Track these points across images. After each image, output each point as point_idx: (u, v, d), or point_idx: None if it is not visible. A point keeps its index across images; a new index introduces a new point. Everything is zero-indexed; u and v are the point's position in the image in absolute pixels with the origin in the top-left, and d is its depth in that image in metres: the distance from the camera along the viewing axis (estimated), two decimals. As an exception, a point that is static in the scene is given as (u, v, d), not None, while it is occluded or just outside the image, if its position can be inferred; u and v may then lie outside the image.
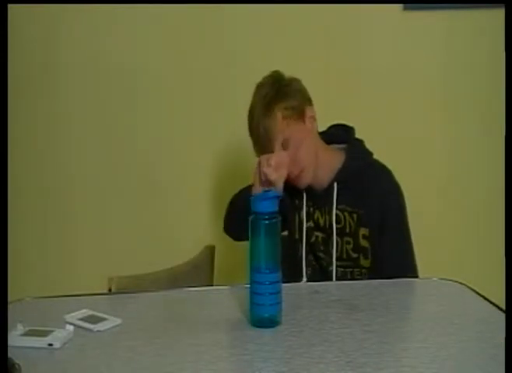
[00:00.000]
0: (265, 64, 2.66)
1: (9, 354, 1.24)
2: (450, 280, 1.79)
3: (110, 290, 1.90)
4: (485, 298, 1.67)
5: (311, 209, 2.00)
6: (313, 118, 1.96)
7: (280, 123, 1.89)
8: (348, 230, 1.95)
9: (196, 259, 2.21)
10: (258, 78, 2.66)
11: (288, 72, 2.65)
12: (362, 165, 1.98)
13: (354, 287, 1.79)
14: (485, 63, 2.71)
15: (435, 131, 2.74)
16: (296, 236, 2.01)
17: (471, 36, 2.71)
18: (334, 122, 2.08)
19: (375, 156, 2.03)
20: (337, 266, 1.96)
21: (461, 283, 1.76)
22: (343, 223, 1.95)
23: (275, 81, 1.98)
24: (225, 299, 1.68)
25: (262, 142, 1.92)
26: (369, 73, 2.67)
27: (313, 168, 1.94)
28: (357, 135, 2.05)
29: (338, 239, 1.96)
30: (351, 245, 1.95)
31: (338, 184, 1.95)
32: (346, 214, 1.95)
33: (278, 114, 1.89)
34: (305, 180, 1.95)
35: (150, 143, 2.70)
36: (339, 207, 1.95)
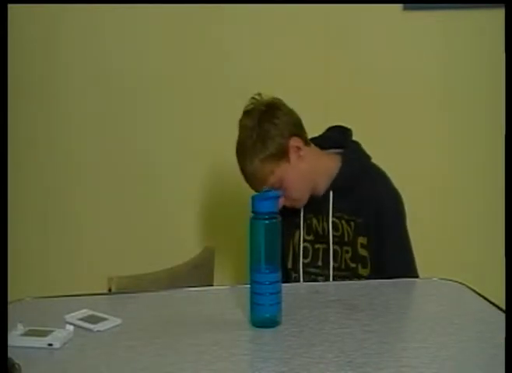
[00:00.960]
0: (265, 64, 2.68)
1: (9, 354, 1.23)
2: (450, 280, 1.79)
3: (110, 290, 1.90)
4: (485, 298, 1.67)
5: (309, 219, 2.00)
6: (298, 147, 1.95)
7: (264, 171, 1.92)
8: (346, 239, 1.95)
9: (196, 259, 2.21)
10: (258, 77, 2.67)
11: (288, 72, 2.67)
12: (357, 172, 1.97)
13: (354, 287, 1.79)
14: (485, 63, 2.71)
15: (434, 131, 2.74)
16: (289, 266, 2.02)
17: (471, 36, 2.71)
18: (334, 122, 2.08)
19: (374, 157, 2.03)
20: (333, 276, 1.96)
21: (461, 283, 1.76)
22: (341, 231, 1.96)
23: (257, 117, 1.95)
24: (225, 299, 1.68)
25: (252, 183, 1.95)
26: (369, 73, 2.67)
27: (309, 189, 1.97)
28: (356, 135, 2.04)
29: (338, 248, 1.96)
30: (349, 254, 1.95)
31: (334, 192, 1.96)
32: (344, 222, 1.95)
33: (261, 163, 1.91)
34: (302, 203, 1.99)
35: (150, 143, 2.70)
36: (336, 214, 1.96)
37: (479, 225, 2.78)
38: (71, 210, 2.72)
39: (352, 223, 1.94)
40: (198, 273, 2.17)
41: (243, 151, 1.96)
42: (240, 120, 1.99)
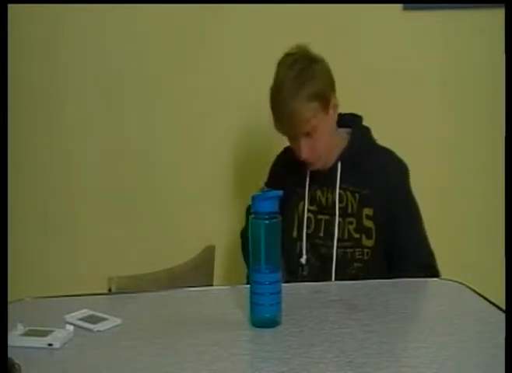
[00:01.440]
0: (265, 64, 2.67)
1: (9, 354, 1.24)
2: (450, 280, 1.79)
3: (110, 290, 1.90)
4: (485, 298, 1.67)
5: (313, 190, 2.03)
6: (336, 106, 1.99)
7: (307, 110, 1.90)
8: (350, 210, 1.98)
9: (196, 259, 2.21)
10: (258, 78, 2.66)
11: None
12: (365, 146, 2.04)
13: (354, 287, 1.79)
14: (484, 63, 2.71)
15: (434, 131, 2.74)
16: (294, 234, 2.03)
17: (471, 36, 2.71)
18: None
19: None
20: (337, 247, 1.97)
21: (461, 283, 1.77)
22: (345, 202, 1.99)
23: (303, 60, 1.97)
24: (225, 299, 1.68)
25: (287, 122, 1.93)
26: (368, 73, 2.67)
27: (328, 151, 2.00)
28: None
29: (341, 220, 1.98)
30: (353, 225, 1.97)
31: (341, 163, 2.00)
32: (349, 193, 1.98)
33: (306, 100, 1.90)
34: (317, 166, 2.00)
35: (150, 143, 2.70)
36: (342, 186, 1.99)
37: (479, 225, 2.78)
38: (71, 210, 2.72)
39: (357, 195, 1.97)
40: (198, 273, 2.17)
41: (290, 86, 1.91)
42: (284, 59, 1.98)
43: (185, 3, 2.58)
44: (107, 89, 2.67)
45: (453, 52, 2.73)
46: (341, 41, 2.68)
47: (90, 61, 2.66)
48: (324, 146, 1.98)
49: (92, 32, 2.64)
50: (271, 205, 1.47)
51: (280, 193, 1.49)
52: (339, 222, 1.98)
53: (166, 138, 2.70)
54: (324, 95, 1.94)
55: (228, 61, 2.66)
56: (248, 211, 2.09)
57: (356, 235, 1.97)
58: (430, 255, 1.99)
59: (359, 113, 2.13)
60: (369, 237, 1.96)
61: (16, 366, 1.24)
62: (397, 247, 1.96)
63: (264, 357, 1.35)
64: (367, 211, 1.97)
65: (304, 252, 2.01)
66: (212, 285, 2.14)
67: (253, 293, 1.48)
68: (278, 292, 1.47)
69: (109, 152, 2.70)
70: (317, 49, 2.64)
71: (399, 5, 2.66)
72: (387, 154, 2.05)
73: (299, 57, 1.97)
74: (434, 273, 1.94)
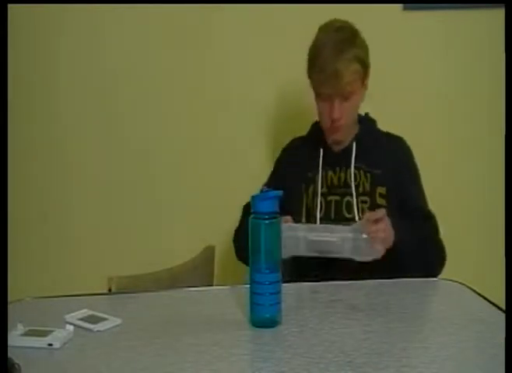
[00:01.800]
0: (265, 64, 2.68)
1: (9, 354, 1.24)
2: (450, 280, 1.80)
3: (110, 290, 1.90)
4: (485, 298, 1.67)
5: (325, 171, 2.06)
6: (367, 86, 2.07)
7: (350, 73, 1.96)
8: (362, 189, 2.03)
9: (196, 259, 2.21)
10: (258, 78, 2.67)
11: (288, 72, 2.67)
12: (377, 132, 2.15)
13: (354, 287, 1.79)
14: (484, 63, 2.70)
15: (434, 131, 2.74)
16: (303, 220, 2.03)
17: (471, 36, 2.71)
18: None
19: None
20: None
21: (461, 283, 1.77)
22: (357, 182, 2.03)
23: (348, 28, 2.04)
24: (225, 299, 1.68)
25: (327, 81, 1.96)
26: (368, 73, 2.67)
27: (351, 127, 2.08)
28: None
29: (351, 199, 2.02)
30: (367, 204, 2.01)
31: (356, 145, 2.06)
32: (362, 172, 2.04)
33: (349, 62, 1.96)
34: (339, 135, 2.06)
35: (150, 143, 2.70)
36: (356, 165, 2.04)
37: (479, 225, 2.78)
38: (71, 210, 2.72)
39: (369, 174, 2.03)
40: (198, 273, 2.17)
41: (332, 47, 1.96)
42: (328, 25, 2.06)
43: (185, 3, 2.58)
44: (107, 89, 2.67)
45: (453, 52, 2.73)
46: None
47: (90, 60, 2.66)
48: (352, 116, 2.05)
49: (92, 32, 2.64)
50: (271, 205, 1.47)
51: (280, 192, 1.50)
52: (349, 202, 2.02)
53: (166, 138, 2.70)
54: (365, 63, 2.02)
55: (228, 61, 2.66)
56: (245, 210, 2.09)
57: None
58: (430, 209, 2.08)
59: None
60: None
61: (16, 366, 1.24)
62: (406, 206, 2.01)
63: (264, 357, 1.35)
64: (380, 190, 2.02)
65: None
66: (212, 285, 2.14)
67: (253, 293, 1.48)
68: (278, 292, 1.47)
69: (109, 152, 2.70)
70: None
71: (399, 5, 2.66)
72: (398, 139, 2.14)
73: (344, 25, 2.05)
74: (435, 225, 2.03)
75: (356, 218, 1.99)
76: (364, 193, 2.02)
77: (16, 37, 2.52)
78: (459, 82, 2.74)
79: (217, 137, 2.70)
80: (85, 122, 2.68)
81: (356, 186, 2.02)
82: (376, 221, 1.79)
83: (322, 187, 2.05)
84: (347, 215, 2.02)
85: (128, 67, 2.67)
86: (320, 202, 2.04)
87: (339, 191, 2.04)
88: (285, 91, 2.67)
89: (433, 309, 1.60)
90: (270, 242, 1.47)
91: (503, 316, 1.41)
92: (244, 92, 2.67)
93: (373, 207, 1.99)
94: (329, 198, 2.05)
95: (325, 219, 2.02)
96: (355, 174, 2.03)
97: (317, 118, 2.12)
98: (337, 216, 2.02)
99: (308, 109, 2.17)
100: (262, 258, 1.46)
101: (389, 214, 1.88)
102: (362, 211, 2.00)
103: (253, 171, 2.55)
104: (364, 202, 2.02)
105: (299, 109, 2.59)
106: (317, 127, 2.13)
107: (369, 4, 2.60)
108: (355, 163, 2.04)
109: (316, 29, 2.64)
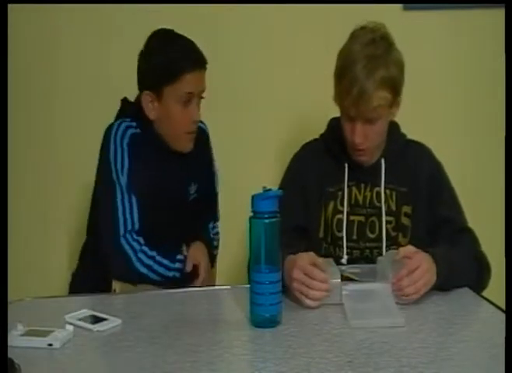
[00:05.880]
0: (265, 64, 2.68)
1: (9, 354, 1.24)
2: (450, 280, 1.79)
3: (114, 291, 1.91)
4: (485, 298, 1.67)
5: (348, 187, 1.92)
6: (399, 104, 1.93)
7: (377, 98, 1.80)
8: (387, 209, 1.91)
9: (196, 259, 2.20)
10: (258, 77, 2.67)
11: (288, 73, 2.67)
12: (402, 143, 1.99)
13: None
14: (485, 63, 2.70)
15: (434, 131, 2.73)
16: (321, 235, 1.93)
17: (471, 36, 2.71)
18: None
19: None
20: (374, 248, 1.91)
21: (460, 283, 1.76)
22: (384, 201, 1.91)
23: (383, 38, 1.90)
24: (225, 299, 1.68)
25: (352, 102, 1.81)
26: (369, 73, 2.67)
27: (375, 149, 1.92)
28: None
29: (376, 219, 1.91)
30: (392, 225, 1.91)
31: (385, 161, 1.93)
32: (388, 191, 1.92)
33: (379, 85, 1.81)
34: (364, 157, 1.90)
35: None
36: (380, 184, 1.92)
37: (479, 225, 2.78)
38: (72, 210, 2.72)
39: (394, 192, 1.92)
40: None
41: (365, 66, 1.80)
42: (360, 34, 1.90)
43: (186, 3, 2.58)
44: (107, 89, 2.66)
45: (453, 52, 2.73)
46: (341, 41, 2.67)
47: (90, 61, 2.66)
48: (377, 140, 1.89)
49: (92, 32, 2.64)
50: (271, 204, 1.47)
51: (280, 192, 1.49)
52: (373, 222, 1.91)
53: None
54: (395, 86, 1.87)
55: (228, 61, 2.66)
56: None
57: (393, 234, 1.91)
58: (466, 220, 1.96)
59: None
60: (404, 236, 1.91)
61: (16, 366, 1.25)
62: (438, 217, 1.90)
63: (264, 357, 1.35)
64: (406, 209, 1.92)
65: (345, 252, 1.91)
66: (212, 285, 2.14)
67: (253, 293, 1.48)
68: (278, 292, 1.47)
69: (109, 152, 2.69)
70: (317, 49, 2.66)
71: (399, 5, 2.66)
72: (420, 148, 2.01)
73: (379, 36, 1.88)
74: (475, 237, 1.90)
75: (384, 240, 1.89)
76: (389, 213, 1.91)
77: (16, 37, 2.52)
78: (459, 82, 2.74)
79: (217, 137, 2.69)
80: (85, 122, 2.68)
81: (381, 207, 1.91)
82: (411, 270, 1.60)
83: (342, 205, 1.91)
84: (370, 235, 1.91)
85: (128, 68, 2.66)
86: (341, 221, 1.91)
87: (364, 211, 1.92)
88: (285, 91, 2.67)
89: (433, 309, 1.60)
90: (270, 242, 1.47)
91: (503, 316, 1.41)
92: (245, 93, 2.67)
93: (398, 227, 1.90)
94: (352, 218, 1.92)
95: (347, 239, 1.91)
96: (379, 194, 1.91)
97: (333, 115, 2.01)
98: (359, 235, 1.92)
99: (321, 108, 2.13)
100: (262, 258, 1.46)
101: (413, 235, 1.85)
102: (386, 232, 1.89)
103: (253, 171, 2.55)
104: (389, 223, 1.91)
105: (301, 108, 2.60)
106: (335, 126, 1.96)
107: (369, 4, 2.60)
108: (380, 182, 1.91)
109: (316, 29, 2.66)
